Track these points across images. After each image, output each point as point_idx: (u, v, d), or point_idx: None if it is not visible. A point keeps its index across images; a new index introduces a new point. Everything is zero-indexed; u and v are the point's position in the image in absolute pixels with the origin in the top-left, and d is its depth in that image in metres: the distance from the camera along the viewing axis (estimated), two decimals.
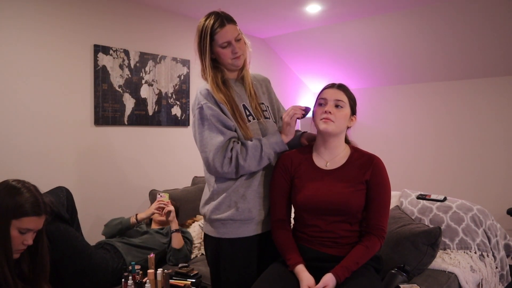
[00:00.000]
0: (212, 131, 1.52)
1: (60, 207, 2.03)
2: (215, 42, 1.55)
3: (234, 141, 1.54)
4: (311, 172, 1.59)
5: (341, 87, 1.59)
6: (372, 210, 1.55)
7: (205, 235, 1.68)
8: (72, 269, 2.03)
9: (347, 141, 1.67)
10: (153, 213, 2.54)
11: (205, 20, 1.56)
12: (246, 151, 1.52)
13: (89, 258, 2.07)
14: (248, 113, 1.63)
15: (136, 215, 2.54)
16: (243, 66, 1.66)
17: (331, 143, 1.59)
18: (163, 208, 2.52)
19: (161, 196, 2.58)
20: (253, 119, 1.63)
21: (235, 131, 1.57)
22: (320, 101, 1.58)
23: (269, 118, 1.70)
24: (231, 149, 1.52)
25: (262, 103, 1.71)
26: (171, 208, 2.50)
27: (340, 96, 1.56)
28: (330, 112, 1.53)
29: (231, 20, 1.57)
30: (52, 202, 1.84)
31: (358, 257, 1.49)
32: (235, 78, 1.68)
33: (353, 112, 1.60)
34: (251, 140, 1.56)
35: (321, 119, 1.55)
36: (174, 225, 2.48)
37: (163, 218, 2.55)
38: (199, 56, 1.60)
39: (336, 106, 1.55)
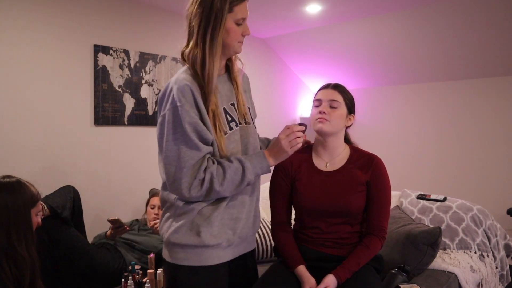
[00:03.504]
0: (185, 142, 1.24)
1: (61, 208, 2.04)
2: (232, 14, 1.27)
3: (209, 159, 1.29)
4: (311, 173, 1.59)
5: (336, 87, 1.58)
6: (373, 211, 1.55)
7: (163, 260, 1.41)
8: (74, 269, 2.03)
9: (349, 141, 1.67)
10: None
11: None
12: (223, 174, 1.27)
13: (90, 258, 2.07)
14: (230, 118, 1.36)
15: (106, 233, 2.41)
16: (231, 60, 1.42)
17: (329, 144, 1.59)
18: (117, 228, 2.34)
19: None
20: (236, 126, 1.37)
21: (211, 144, 1.30)
22: (315, 103, 1.59)
23: (251, 124, 1.44)
24: (205, 170, 1.26)
25: (248, 108, 1.47)
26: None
27: (334, 96, 1.55)
28: (324, 113, 1.54)
29: None
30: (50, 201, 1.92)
31: (359, 257, 1.49)
32: (219, 74, 1.37)
33: (350, 111, 1.59)
34: (230, 160, 1.31)
35: (316, 119, 1.55)
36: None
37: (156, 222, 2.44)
38: (200, 29, 1.27)
39: (331, 106, 1.55)
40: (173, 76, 1.34)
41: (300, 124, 1.38)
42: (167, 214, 1.38)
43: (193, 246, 1.31)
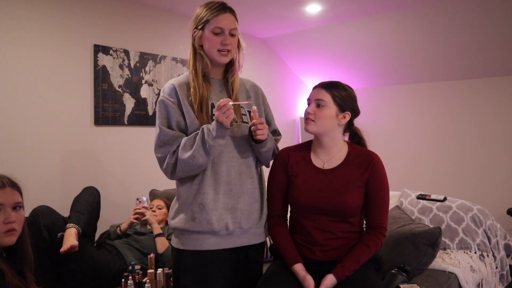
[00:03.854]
0: (159, 128, 1.47)
1: (87, 225, 2.13)
2: (209, 25, 1.47)
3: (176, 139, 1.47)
4: (308, 171, 1.59)
5: (325, 86, 1.57)
6: (372, 209, 1.55)
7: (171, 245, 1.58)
8: (74, 270, 2.03)
9: (359, 138, 1.67)
10: (132, 222, 2.41)
11: (209, 3, 1.51)
12: (182, 143, 1.44)
13: (91, 259, 2.07)
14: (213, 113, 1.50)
15: (119, 226, 2.43)
16: (232, 69, 1.55)
17: (325, 143, 1.59)
18: (142, 214, 2.38)
19: (139, 202, 2.42)
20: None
21: (186, 126, 1.48)
22: (307, 102, 1.61)
23: (248, 123, 1.55)
24: (171, 146, 1.45)
25: (242, 107, 1.58)
26: (147, 216, 2.37)
27: (321, 96, 1.55)
28: (309, 113, 1.55)
29: (233, 12, 1.51)
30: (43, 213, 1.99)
31: (358, 255, 1.49)
32: (219, 79, 1.57)
33: (343, 109, 1.56)
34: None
35: (304, 120, 1.57)
36: (156, 230, 2.35)
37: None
38: (191, 37, 1.53)
39: (318, 105, 1.55)
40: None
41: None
42: (173, 201, 1.55)
43: (190, 231, 1.45)
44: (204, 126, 1.43)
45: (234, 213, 1.47)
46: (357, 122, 1.66)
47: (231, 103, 1.39)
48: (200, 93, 1.47)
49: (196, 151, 1.39)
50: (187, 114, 1.47)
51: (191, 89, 1.48)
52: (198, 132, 1.43)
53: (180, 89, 1.49)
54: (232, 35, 1.49)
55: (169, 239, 2.42)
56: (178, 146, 1.44)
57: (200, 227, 1.43)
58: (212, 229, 1.44)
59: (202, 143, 1.40)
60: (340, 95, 1.56)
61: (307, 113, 1.56)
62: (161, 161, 1.47)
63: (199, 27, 1.49)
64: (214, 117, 1.41)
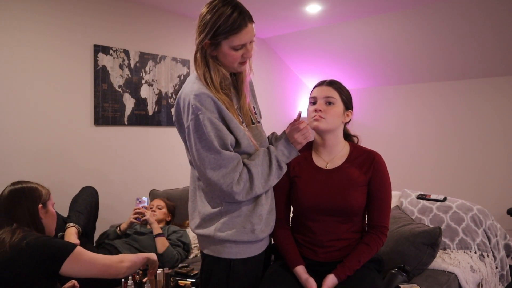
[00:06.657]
0: (211, 150, 1.31)
1: (86, 224, 2.15)
2: (228, 41, 1.31)
3: (239, 160, 1.36)
4: (311, 171, 1.58)
5: (332, 84, 1.56)
6: (374, 208, 1.54)
7: (208, 256, 1.46)
8: None
9: (349, 136, 1.66)
10: (132, 222, 2.43)
11: (225, 7, 1.29)
12: (256, 168, 1.37)
13: None
14: (241, 120, 1.44)
15: (119, 226, 2.45)
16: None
17: (328, 141, 1.58)
18: (142, 213, 2.40)
19: (139, 202, 2.44)
20: (246, 126, 1.45)
21: (238, 142, 1.38)
22: (311, 100, 1.58)
23: (260, 123, 1.54)
24: (238, 168, 1.34)
25: (253, 106, 1.55)
26: (147, 216, 2.40)
27: (329, 93, 1.53)
28: (320, 110, 1.52)
29: (251, 18, 1.33)
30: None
31: (359, 255, 1.49)
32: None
33: (348, 107, 1.57)
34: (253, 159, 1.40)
35: (312, 117, 1.54)
36: (156, 230, 2.37)
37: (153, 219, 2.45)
38: (199, 48, 1.36)
39: (327, 103, 1.53)
40: (185, 87, 1.40)
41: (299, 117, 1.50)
42: (212, 213, 1.41)
43: (247, 241, 1.41)
44: (275, 150, 1.43)
45: (274, 215, 1.51)
46: (358, 122, 1.66)
47: (302, 118, 1.44)
48: (232, 108, 1.38)
49: (274, 175, 1.41)
50: (236, 129, 1.35)
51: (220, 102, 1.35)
52: (266, 154, 1.41)
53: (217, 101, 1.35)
54: (251, 42, 1.36)
55: (169, 239, 2.43)
56: (241, 169, 1.35)
57: (258, 237, 1.43)
58: (266, 235, 1.47)
59: (279, 167, 1.43)
60: (345, 94, 1.57)
61: (316, 110, 1.53)
62: (216, 184, 1.33)
63: (214, 41, 1.32)
64: (289, 138, 1.44)
